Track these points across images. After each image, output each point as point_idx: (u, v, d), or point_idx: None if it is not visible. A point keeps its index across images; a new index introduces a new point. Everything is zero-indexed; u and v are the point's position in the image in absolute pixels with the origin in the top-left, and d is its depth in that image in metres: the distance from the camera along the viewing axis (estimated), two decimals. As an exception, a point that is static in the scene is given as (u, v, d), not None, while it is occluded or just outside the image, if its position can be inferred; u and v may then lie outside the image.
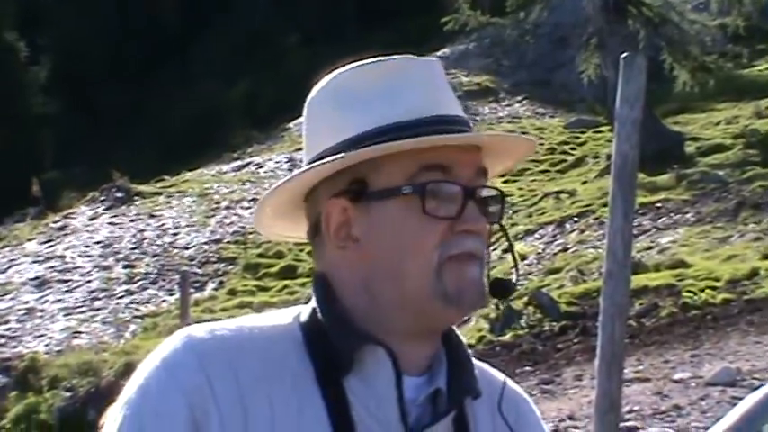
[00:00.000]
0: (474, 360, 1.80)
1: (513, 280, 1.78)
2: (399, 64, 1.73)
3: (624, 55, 4.30)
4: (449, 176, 1.66)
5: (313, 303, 1.77)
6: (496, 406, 1.79)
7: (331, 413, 1.65)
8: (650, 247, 16.55)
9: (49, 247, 23.55)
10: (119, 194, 26.56)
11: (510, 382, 1.86)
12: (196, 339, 1.68)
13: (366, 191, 1.68)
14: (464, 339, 1.80)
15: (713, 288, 13.54)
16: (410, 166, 1.65)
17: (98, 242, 23.51)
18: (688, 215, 18.20)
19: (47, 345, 18.06)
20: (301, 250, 21.70)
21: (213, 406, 1.62)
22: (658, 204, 18.80)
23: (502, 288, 1.76)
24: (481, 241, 1.68)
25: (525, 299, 13.99)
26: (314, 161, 1.72)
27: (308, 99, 1.79)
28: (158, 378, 1.66)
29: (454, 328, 1.77)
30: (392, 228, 1.67)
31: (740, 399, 5.92)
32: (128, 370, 16.68)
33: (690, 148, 22.88)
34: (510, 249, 1.88)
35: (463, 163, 1.67)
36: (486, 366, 1.88)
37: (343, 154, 1.67)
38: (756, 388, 6.05)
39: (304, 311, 1.77)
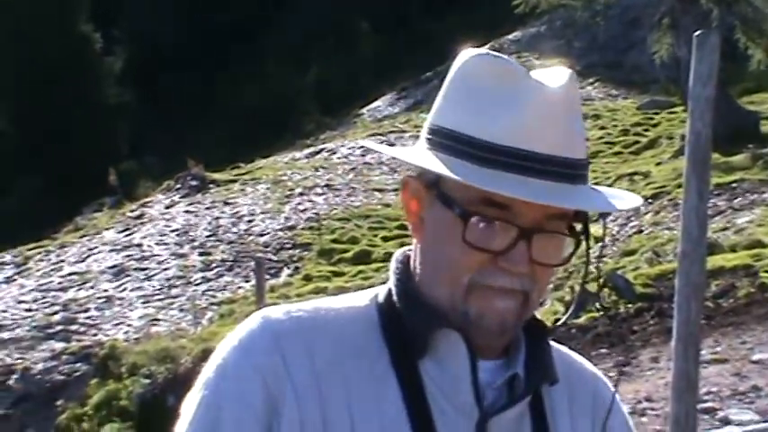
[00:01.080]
0: (554, 344, 1.82)
1: (560, 321, 1.85)
2: (524, 79, 1.65)
3: (697, 33, 4.28)
4: (507, 215, 1.62)
5: (389, 284, 1.78)
6: (601, 423, 1.80)
7: (406, 396, 1.67)
8: (726, 228, 16.39)
9: (127, 235, 23.79)
10: (194, 182, 26.74)
11: (604, 380, 1.89)
12: (272, 320, 1.72)
13: (437, 187, 1.69)
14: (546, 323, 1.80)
15: (791, 268, 13.40)
16: (472, 192, 1.63)
17: (174, 230, 23.71)
18: (765, 195, 17.99)
19: (126, 332, 18.26)
20: (375, 235, 21.73)
21: (289, 386, 1.65)
22: (734, 185, 18.60)
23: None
24: (523, 281, 1.66)
25: (600, 281, 13.92)
26: (428, 128, 1.71)
27: (453, 66, 1.74)
28: (235, 359, 1.69)
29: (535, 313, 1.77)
30: (440, 234, 1.68)
31: (819, 378, 5.87)
32: (205, 356, 16.74)
33: (766, 127, 22.61)
34: (584, 281, 1.90)
35: (531, 205, 1.61)
36: (567, 351, 1.89)
37: (414, 160, 1.68)
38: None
39: (381, 293, 1.78)
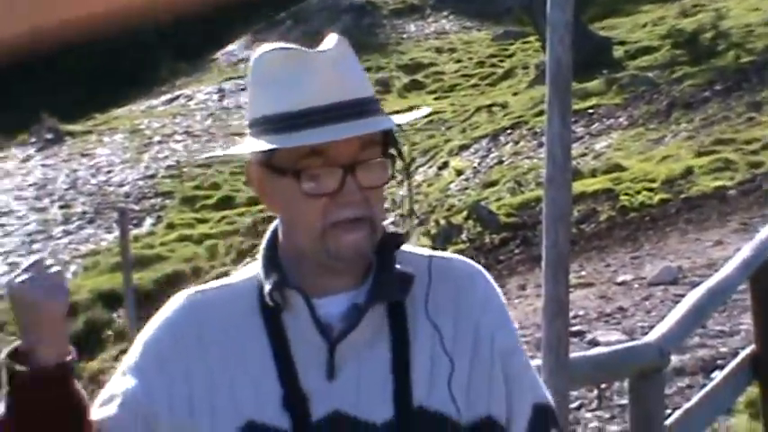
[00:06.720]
0: (425, 252, 2.12)
1: (405, 230, 2.01)
2: (293, 54, 2.01)
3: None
4: (326, 160, 1.95)
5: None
6: (470, 320, 2.06)
7: (272, 347, 2.00)
8: (585, 154, 16.64)
9: (-18, 192, 23.31)
10: (49, 135, 26.26)
11: (475, 279, 2.11)
12: (173, 304, 2.10)
13: (269, 164, 2.01)
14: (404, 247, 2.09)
15: (650, 189, 13.66)
16: (293, 153, 1.97)
17: (32, 184, 23.28)
18: (621, 119, 18.29)
19: (-13, 291, 17.91)
20: (237, 180, 21.61)
21: (181, 364, 2.05)
22: (590, 110, 18.88)
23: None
24: (364, 207, 1.98)
25: (465, 213, 14.03)
26: (248, 123, 2.07)
27: (249, 65, 2.11)
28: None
29: (395, 235, 2.07)
30: (283, 200, 2.01)
31: (682, 296, 5.99)
32: (71, 310, 16.65)
33: (618, 51, 22.95)
34: (409, 196, 2.17)
35: (342, 144, 1.95)
36: (439, 254, 2.13)
37: (237, 150, 2.08)
38: (697, 285, 6.13)
39: None
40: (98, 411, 2.01)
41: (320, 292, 2.00)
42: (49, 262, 1.97)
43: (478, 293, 2.09)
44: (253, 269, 2.09)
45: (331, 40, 2.03)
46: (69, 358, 1.94)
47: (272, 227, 2.10)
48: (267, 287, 2.00)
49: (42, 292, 1.90)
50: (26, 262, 1.95)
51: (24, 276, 1.90)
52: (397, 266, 2.03)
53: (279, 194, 2.02)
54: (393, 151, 2.03)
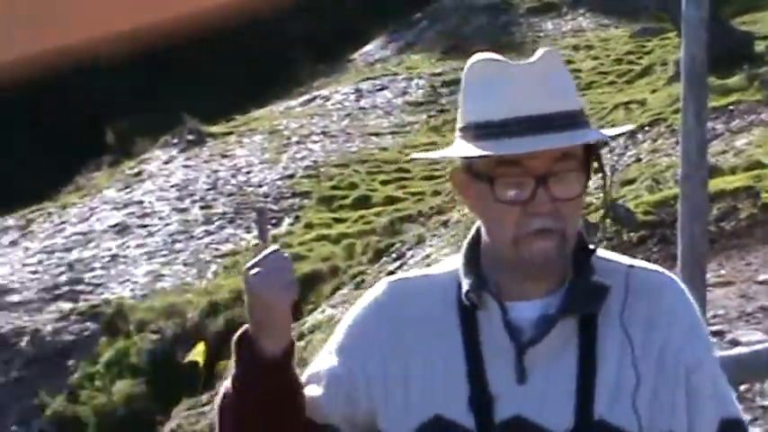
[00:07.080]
0: (624, 260, 2.19)
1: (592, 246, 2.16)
2: (501, 66, 2.08)
3: (687, -45, 4.21)
4: (522, 168, 2.02)
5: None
6: (662, 332, 2.10)
7: (465, 343, 2.09)
8: (725, 151, 16.37)
9: (127, 193, 23.78)
10: (190, 137, 26.67)
11: (669, 290, 2.16)
12: (379, 287, 2.23)
13: (471, 170, 2.10)
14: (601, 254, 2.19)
15: (793, 187, 13.39)
16: (489, 161, 2.05)
17: (174, 185, 23.68)
18: (762, 115, 17.94)
19: (132, 290, 18.30)
20: (374, 180, 21.70)
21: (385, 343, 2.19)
22: (731, 107, 18.54)
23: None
24: (554, 218, 2.04)
25: (601, 211, 13.90)
26: (458, 129, 2.14)
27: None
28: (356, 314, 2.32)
29: (590, 246, 2.16)
30: (481, 205, 2.11)
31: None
32: (212, 309, 16.90)
33: (760, 47, 22.49)
34: (605, 213, 2.26)
35: (537, 155, 2.02)
36: (637, 263, 2.20)
37: (439, 154, 2.20)
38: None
39: None
40: (306, 389, 2.15)
41: (515, 296, 2.08)
42: (285, 255, 2.07)
43: (669, 305, 2.12)
44: (454, 262, 2.17)
45: (539, 53, 2.09)
46: (289, 348, 2.09)
47: (476, 225, 2.18)
48: (465, 287, 2.09)
49: (271, 287, 2.02)
50: (263, 252, 2.05)
51: (258, 269, 2.02)
52: (594, 277, 2.10)
53: (477, 199, 2.11)
54: (594, 166, 2.11)
